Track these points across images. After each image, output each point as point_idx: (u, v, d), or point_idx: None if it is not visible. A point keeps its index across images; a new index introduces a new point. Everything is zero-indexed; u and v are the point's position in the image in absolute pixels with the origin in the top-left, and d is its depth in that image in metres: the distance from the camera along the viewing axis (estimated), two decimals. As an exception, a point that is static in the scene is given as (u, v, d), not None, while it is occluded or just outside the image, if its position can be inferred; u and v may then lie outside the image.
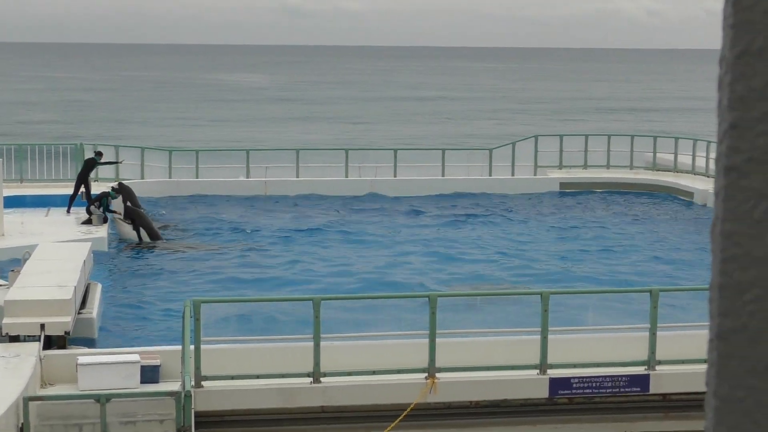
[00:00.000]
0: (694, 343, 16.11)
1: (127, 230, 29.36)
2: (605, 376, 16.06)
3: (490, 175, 38.40)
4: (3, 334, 16.85)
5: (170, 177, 36.28)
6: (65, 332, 17.10)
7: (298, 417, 15.70)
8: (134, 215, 29.50)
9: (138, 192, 31.41)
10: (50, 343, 16.93)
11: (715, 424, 1.41)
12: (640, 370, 16.23)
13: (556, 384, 16.00)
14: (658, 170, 39.20)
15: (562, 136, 40.08)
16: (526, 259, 28.25)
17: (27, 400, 14.18)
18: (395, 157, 37.93)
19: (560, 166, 39.32)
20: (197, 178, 36.59)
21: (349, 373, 15.74)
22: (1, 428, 13.56)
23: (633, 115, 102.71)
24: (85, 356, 16.11)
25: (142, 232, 29.23)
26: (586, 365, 16.19)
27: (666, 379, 16.20)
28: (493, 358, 16.14)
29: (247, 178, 36.93)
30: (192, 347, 15.23)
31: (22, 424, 14.10)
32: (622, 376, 16.12)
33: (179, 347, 15.65)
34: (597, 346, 16.61)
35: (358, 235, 31.06)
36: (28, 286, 18.25)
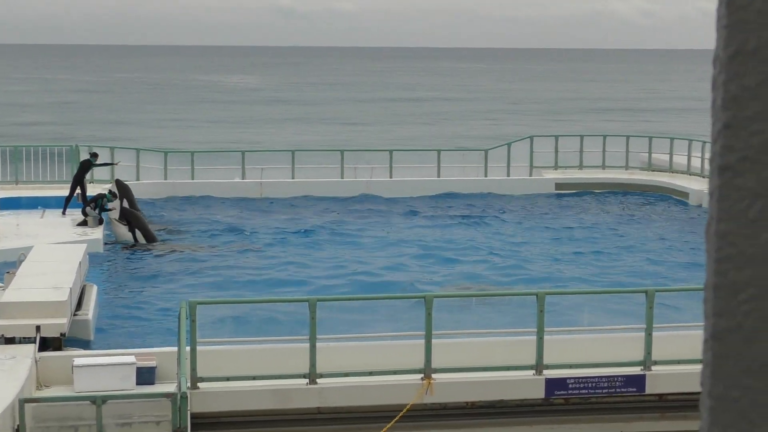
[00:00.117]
0: (689, 344, 16.12)
1: (123, 231, 29.35)
2: (601, 377, 16.07)
3: (486, 175, 38.41)
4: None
5: (166, 178, 36.26)
6: (61, 334, 17.08)
7: (294, 418, 15.70)
8: (130, 217, 29.48)
9: (134, 193, 31.37)
10: (46, 344, 16.91)
11: (710, 424, 1.41)
12: (636, 370, 16.25)
13: (552, 384, 16.01)
14: (654, 171, 39.23)
15: (557, 137, 40.10)
16: (521, 260, 28.26)
17: (23, 401, 14.17)
18: (391, 158, 37.93)
19: (556, 167, 39.34)
20: (193, 179, 36.56)
21: (345, 374, 15.74)
22: (-4, 430, 13.55)
23: (628, 115, 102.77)
24: (80, 358, 16.09)
25: (138, 233, 29.22)
26: (582, 366, 16.20)
27: (662, 380, 16.21)
28: (489, 359, 16.14)
29: (243, 179, 36.91)
30: (188, 348, 15.23)
31: (18, 425, 14.08)
32: (618, 376, 16.13)
33: (175, 349, 15.64)
34: (593, 347, 16.61)
35: (354, 236, 31.06)
36: (24, 287, 18.23)
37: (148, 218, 31.30)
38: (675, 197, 37.17)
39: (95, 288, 21.36)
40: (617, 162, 39.74)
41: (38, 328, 16.74)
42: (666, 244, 30.76)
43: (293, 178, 37.09)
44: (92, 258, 23.76)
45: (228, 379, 15.43)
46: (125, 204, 30.08)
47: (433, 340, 15.81)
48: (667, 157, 39.21)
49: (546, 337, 16.08)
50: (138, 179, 35.38)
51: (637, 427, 16.35)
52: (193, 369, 15.19)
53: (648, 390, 16.23)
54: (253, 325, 19.70)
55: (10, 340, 16.68)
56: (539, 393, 16.05)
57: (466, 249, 29.45)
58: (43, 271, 19.36)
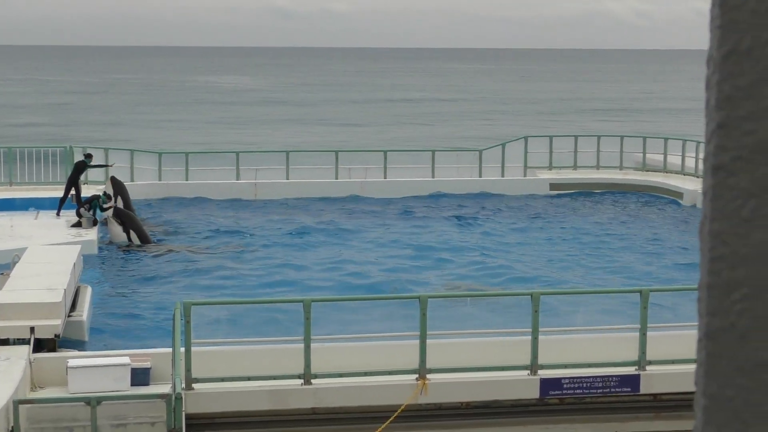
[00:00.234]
0: (684, 343, 16.14)
1: (118, 232, 29.32)
2: (596, 377, 16.08)
3: (480, 176, 38.43)
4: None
5: (160, 179, 36.24)
6: (55, 335, 17.06)
7: (289, 419, 15.70)
8: (124, 217, 29.44)
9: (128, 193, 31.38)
10: (40, 346, 16.89)
11: (704, 424, 1.41)
12: (630, 370, 16.26)
13: (546, 384, 16.01)
14: (648, 171, 39.27)
15: (551, 137, 40.13)
16: (515, 260, 28.27)
17: (17, 403, 14.15)
18: (385, 158, 37.94)
19: (550, 167, 39.36)
20: (187, 180, 36.54)
21: (340, 375, 15.74)
22: (-9, 432, 13.54)
23: (622, 115, 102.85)
24: (75, 359, 16.07)
25: (132, 234, 29.19)
26: (577, 366, 16.21)
27: (656, 379, 16.22)
28: (483, 359, 16.15)
29: (237, 180, 36.90)
30: (182, 349, 15.22)
31: (12, 427, 14.06)
32: (612, 376, 16.14)
33: (170, 349, 15.63)
34: (587, 347, 16.62)
35: (349, 236, 31.06)
36: (18, 289, 18.21)
37: (143, 219, 31.28)
38: (669, 197, 37.22)
39: (89, 289, 21.34)
40: (612, 162, 39.78)
41: (32, 329, 16.73)
42: (660, 243, 30.79)
43: (288, 179, 37.09)
44: (86, 259, 23.74)
45: (223, 379, 15.42)
46: (120, 202, 30.06)
47: (428, 341, 15.81)
48: (661, 158, 39.26)
49: (541, 337, 16.10)
50: (132, 180, 35.34)
51: (631, 426, 16.36)
52: (188, 370, 15.18)
53: (642, 390, 16.25)
54: (248, 325, 19.69)
55: (4, 342, 16.66)
56: (534, 393, 16.06)
57: (460, 249, 29.45)
58: (37, 272, 19.35)
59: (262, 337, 17.51)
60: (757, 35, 1.36)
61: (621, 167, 39.65)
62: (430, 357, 15.77)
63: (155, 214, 33.52)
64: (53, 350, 17.04)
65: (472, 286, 25.21)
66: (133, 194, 32.40)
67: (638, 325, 16.29)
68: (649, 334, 16.26)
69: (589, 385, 16.07)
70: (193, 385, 15.22)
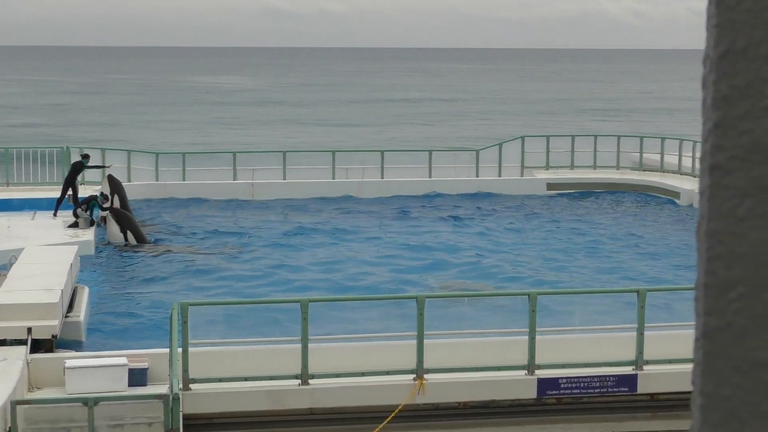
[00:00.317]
0: (681, 343, 16.14)
1: (115, 232, 29.30)
2: (593, 377, 16.09)
3: (477, 176, 38.44)
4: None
5: (157, 180, 36.23)
6: (52, 336, 17.06)
7: (287, 419, 15.69)
8: (121, 217, 29.43)
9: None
10: (37, 346, 16.89)
11: (701, 423, 1.41)
12: (627, 370, 16.26)
13: (544, 384, 16.02)
14: (645, 170, 39.28)
15: (548, 137, 40.13)
16: (513, 260, 28.28)
17: (14, 403, 14.14)
18: (382, 158, 37.94)
19: (547, 167, 39.36)
20: (184, 180, 36.53)
21: (338, 375, 15.74)
22: (-12, 432, 13.53)
23: (619, 115, 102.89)
24: (72, 359, 16.06)
25: (129, 234, 29.18)
26: (574, 365, 16.22)
27: (654, 379, 16.23)
28: (481, 359, 16.15)
29: (234, 180, 36.89)
30: (180, 350, 15.21)
31: (10, 428, 14.05)
32: (610, 376, 16.14)
33: (167, 350, 15.63)
34: (585, 347, 16.63)
35: (346, 236, 31.06)
36: (15, 289, 18.20)
37: (140, 219, 31.26)
38: (666, 197, 37.23)
39: (87, 289, 21.33)
40: (608, 162, 39.78)
41: (30, 330, 16.72)
42: (657, 243, 30.80)
43: (285, 179, 37.09)
44: (83, 259, 23.73)
45: (220, 380, 15.42)
46: (116, 200, 30.03)
47: (425, 341, 15.82)
48: (658, 157, 39.27)
49: (538, 337, 16.10)
50: (129, 180, 35.32)
51: (628, 426, 16.36)
52: (185, 370, 15.17)
53: (640, 389, 16.25)
54: (246, 325, 19.68)
55: (1, 342, 16.64)
56: (531, 393, 16.06)
57: (457, 249, 29.45)
58: (34, 272, 19.34)
59: (260, 337, 17.50)
60: (753, 35, 1.36)
61: (618, 167, 39.66)
62: (428, 357, 15.77)
63: (152, 215, 33.50)
64: (50, 351, 17.04)
65: (465, 285, 25.23)
66: (130, 195, 32.39)
67: (635, 325, 16.29)
68: (646, 333, 16.26)
69: (586, 384, 16.07)
70: (191, 386, 15.21)
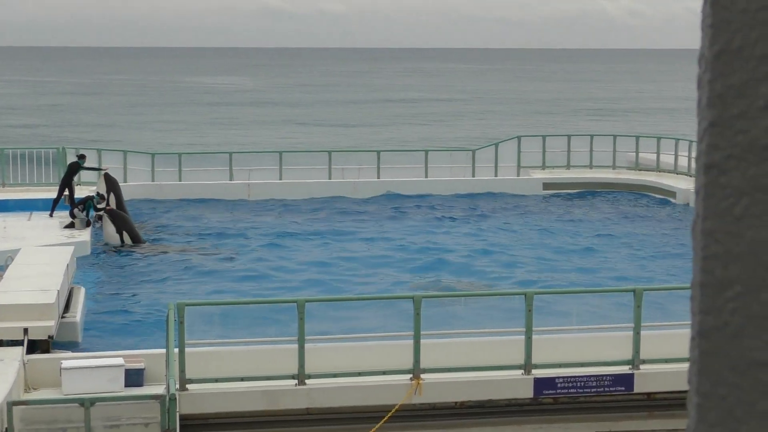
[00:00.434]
0: (677, 342, 16.15)
1: (111, 232, 29.28)
2: (590, 376, 16.10)
3: (473, 176, 38.44)
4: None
5: (153, 180, 36.21)
6: (49, 336, 17.05)
7: (283, 419, 15.69)
8: (117, 218, 29.41)
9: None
10: (34, 347, 16.87)
11: (697, 422, 1.41)
12: (624, 369, 16.27)
13: (540, 384, 16.02)
14: (641, 170, 39.30)
15: (544, 137, 40.13)
16: (509, 260, 28.28)
17: (11, 404, 14.13)
18: (378, 158, 37.94)
19: (543, 167, 39.37)
20: (180, 181, 36.51)
21: (334, 375, 15.74)
22: (-16, 433, 13.52)
23: (615, 115, 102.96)
24: (68, 360, 16.06)
25: (125, 235, 29.16)
26: (571, 365, 16.22)
27: (650, 378, 16.24)
28: (477, 359, 16.15)
29: (231, 180, 36.88)
30: (176, 350, 15.21)
31: (6, 428, 14.04)
32: (606, 375, 16.15)
33: (163, 350, 15.62)
34: (581, 346, 16.63)
35: (342, 236, 31.05)
36: (11, 290, 18.19)
37: (135, 220, 31.23)
38: (662, 196, 37.26)
39: (83, 290, 21.32)
40: (605, 162, 39.80)
41: (26, 330, 16.71)
42: (653, 242, 30.82)
43: (281, 179, 37.09)
44: (80, 260, 23.72)
45: (217, 380, 15.42)
46: (112, 199, 29.98)
47: (422, 340, 15.82)
48: (654, 157, 39.30)
49: (534, 337, 16.10)
50: (125, 181, 35.28)
51: (625, 426, 16.37)
52: (182, 370, 15.17)
53: (636, 389, 16.26)
54: (243, 325, 19.68)
55: (-3, 343, 16.64)
56: (528, 392, 16.07)
57: (453, 249, 29.45)
58: (30, 273, 19.33)
59: (256, 337, 17.49)
60: (748, 34, 1.36)
61: (614, 167, 39.68)
62: (424, 357, 15.77)
63: (148, 215, 33.48)
64: (47, 351, 17.03)
65: (460, 284, 25.25)
66: (126, 195, 32.36)
67: (632, 324, 16.30)
68: (642, 333, 16.27)
69: (583, 384, 16.08)
70: (187, 386, 15.21)
